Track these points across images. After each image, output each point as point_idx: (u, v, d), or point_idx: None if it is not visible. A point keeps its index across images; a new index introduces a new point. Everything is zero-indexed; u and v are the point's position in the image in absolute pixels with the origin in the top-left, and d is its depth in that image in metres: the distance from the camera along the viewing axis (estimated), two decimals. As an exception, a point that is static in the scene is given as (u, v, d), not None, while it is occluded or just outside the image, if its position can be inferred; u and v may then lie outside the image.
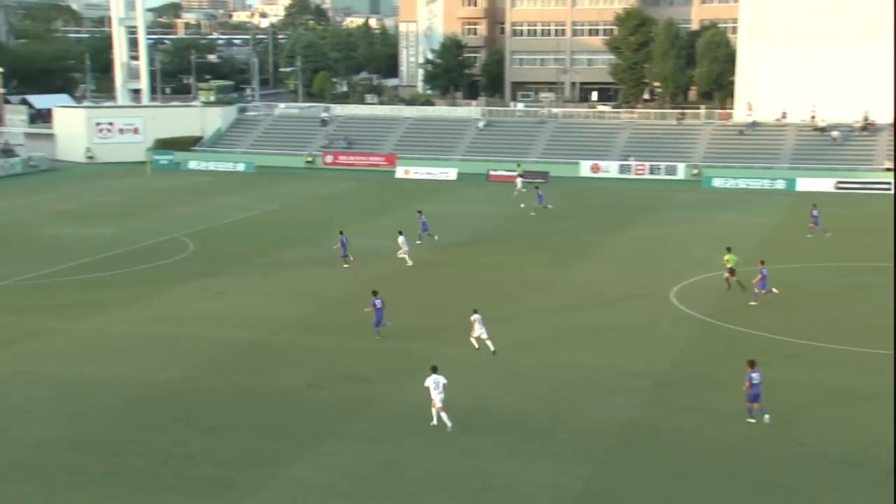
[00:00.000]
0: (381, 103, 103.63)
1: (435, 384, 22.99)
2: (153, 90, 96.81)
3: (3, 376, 26.12)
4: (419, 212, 46.62)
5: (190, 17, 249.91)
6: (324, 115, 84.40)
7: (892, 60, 67.98)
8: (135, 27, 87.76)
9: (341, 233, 41.04)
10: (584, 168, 71.45)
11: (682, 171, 69.09)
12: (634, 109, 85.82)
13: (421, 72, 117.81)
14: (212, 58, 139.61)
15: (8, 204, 56.26)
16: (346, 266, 39.74)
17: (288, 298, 35.13)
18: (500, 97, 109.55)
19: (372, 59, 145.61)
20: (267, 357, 28.38)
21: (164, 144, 77.48)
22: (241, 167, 74.59)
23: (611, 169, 70.94)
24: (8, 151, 73.32)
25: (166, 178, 69.39)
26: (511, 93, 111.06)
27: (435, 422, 23.02)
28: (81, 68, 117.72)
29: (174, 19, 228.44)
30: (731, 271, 35.41)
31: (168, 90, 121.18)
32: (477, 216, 53.99)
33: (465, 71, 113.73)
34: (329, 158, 76.72)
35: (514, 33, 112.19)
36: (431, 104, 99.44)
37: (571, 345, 29.66)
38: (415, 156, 74.91)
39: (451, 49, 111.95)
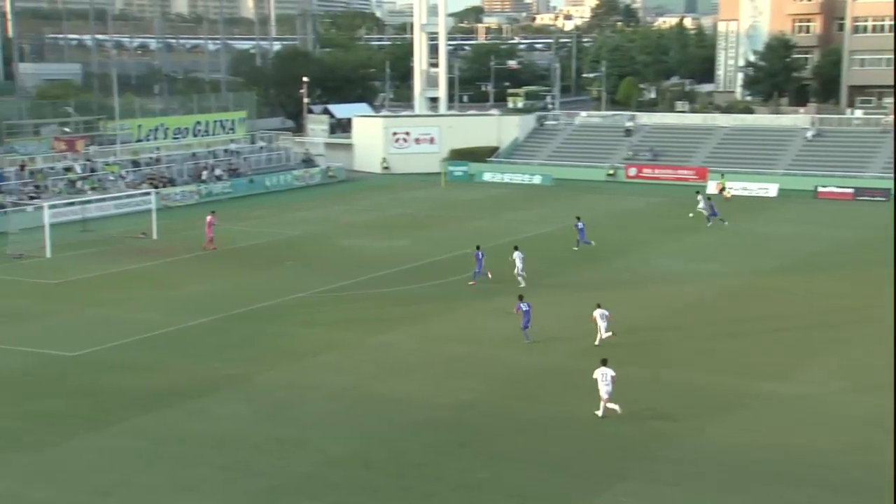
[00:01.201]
0: (693, 111, 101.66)
1: (602, 376, 25.39)
2: (450, 98, 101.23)
3: (300, 389, 28.27)
4: (577, 218, 48.75)
5: (491, 21, 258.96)
6: (628, 124, 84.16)
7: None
8: (436, 33, 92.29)
9: (478, 247, 41.30)
10: (937, 185, 65.92)
11: None
12: None
13: (740, 76, 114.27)
14: (512, 63, 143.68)
15: (307, 215, 61.02)
16: (470, 283, 40.40)
17: (581, 321, 35.19)
18: (834, 103, 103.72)
19: (685, 63, 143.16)
20: (560, 384, 28.64)
21: (459, 155, 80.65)
22: (537, 179, 76.02)
23: (974, 186, 64.99)
24: (308, 161, 79.64)
25: (460, 189, 72.20)
26: (848, 98, 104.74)
27: (600, 413, 25.35)
28: (381, 77, 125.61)
29: (475, 24, 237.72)
30: None
31: (465, 98, 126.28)
32: (801, 238, 51.48)
33: (792, 74, 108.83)
34: (632, 171, 76.37)
35: (856, 30, 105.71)
36: (751, 112, 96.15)
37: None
38: (729, 169, 72.70)
39: (778, 49, 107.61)
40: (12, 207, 54.23)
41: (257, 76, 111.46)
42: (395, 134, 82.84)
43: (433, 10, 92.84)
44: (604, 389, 25.37)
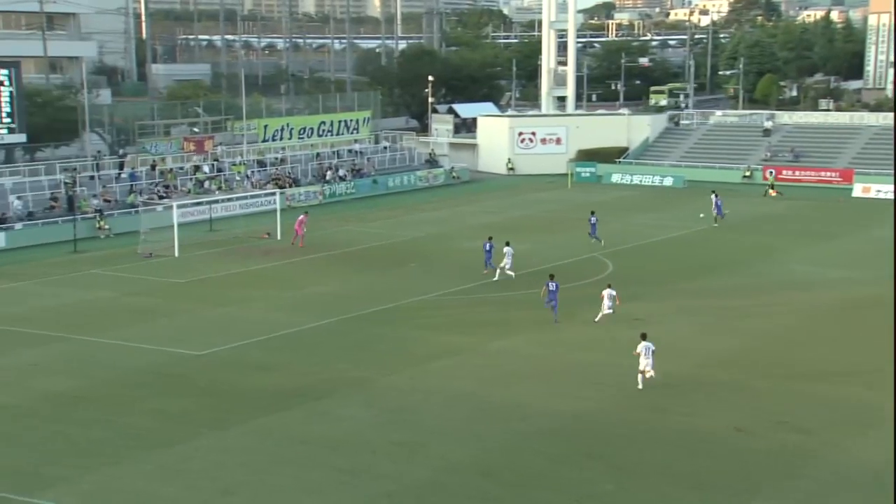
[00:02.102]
0: (839, 109, 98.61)
1: (645, 349, 28.19)
2: (578, 97, 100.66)
3: (421, 393, 28.62)
4: (592, 212, 51.04)
5: (623, 18, 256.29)
6: (767, 123, 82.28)
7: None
8: (565, 30, 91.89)
9: (490, 238, 44.08)
10: None
11: None
12: None
13: (892, 72, 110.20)
14: (643, 61, 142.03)
15: (430, 216, 61.61)
16: (484, 272, 42.97)
17: (714, 330, 34.72)
18: None
19: (830, 59, 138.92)
20: (688, 394, 28.25)
21: (587, 155, 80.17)
22: (668, 181, 74.99)
23: None
24: (432, 162, 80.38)
25: (587, 191, 71.74)
26: None
27: (640, 386, 28.13)
28: (508, 75, 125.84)
29: (606, 20, 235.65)
30: None
31: (594, 97, 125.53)
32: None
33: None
34: (771, 173, 74.58)
35: None
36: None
37: None
38: (879, 171, 70.22)
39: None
40: (143, 207, 56.44)
41: (382, 75, 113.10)
42: (520, 134, 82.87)
43: (562, 7, 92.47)
44: (644, 362, 28.17)
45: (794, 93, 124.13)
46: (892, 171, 64.46)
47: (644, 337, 28.60)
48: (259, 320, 36.64)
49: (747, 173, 75.43)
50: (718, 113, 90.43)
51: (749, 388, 28.68)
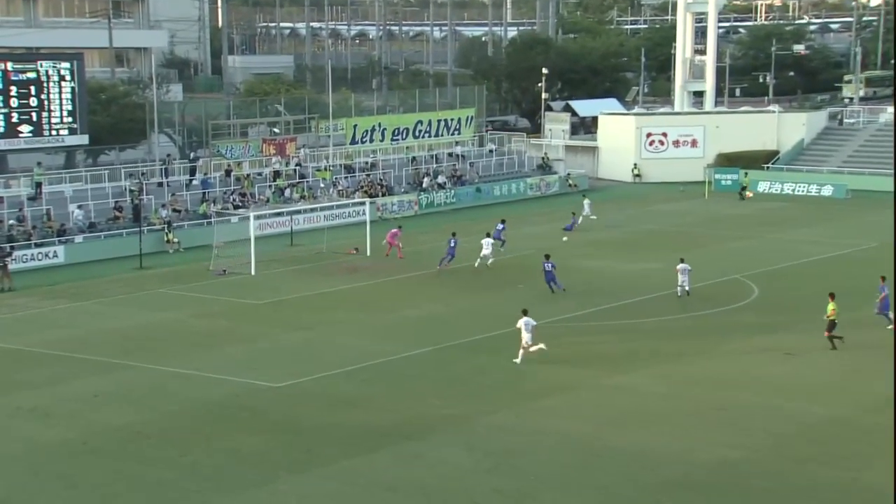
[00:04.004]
0: None
1: (526, 325, 33.73)
2: (719, 92, 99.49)
3: (527, 435, 28.65)
4: (502, 220, 54.99)
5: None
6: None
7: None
8: (704, 14, 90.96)
9: (454, 234, 50.11)
10: None
11: None
12: None
13: None
14: (798, 49, 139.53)
15: (541, 230, 61.55)
16: (438, 267, 49.17)
17: (879, 368, 33.88)
18: None
19: None
20: (849, 443, 27.70)
21: (728, 160, 79.32)
22: (827, 191, 73.82)
23: None
24: (545, 167, 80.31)
25: (728, 202, 70.93)
26: None
27: (519, 360, 33.82)
28: (635, 67, 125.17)
29: (753, 1, 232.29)
30: (831, 325, 35.52)
31: (738, 91, 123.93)
32: None
33: None
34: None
35: None
36: None
37: None
38: None
39: None
40: (216, 218, 57.59)
41: (488, 68, 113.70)
42: (649, 135, 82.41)
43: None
44: (526, 336, 33.44)
45: None
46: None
47: (525, 313, 34.14)
48: (344, 348, 37.19)
49: (926, 181, 73.65)
50: (889, 110, 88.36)
51: (920, 437, 27.97)
